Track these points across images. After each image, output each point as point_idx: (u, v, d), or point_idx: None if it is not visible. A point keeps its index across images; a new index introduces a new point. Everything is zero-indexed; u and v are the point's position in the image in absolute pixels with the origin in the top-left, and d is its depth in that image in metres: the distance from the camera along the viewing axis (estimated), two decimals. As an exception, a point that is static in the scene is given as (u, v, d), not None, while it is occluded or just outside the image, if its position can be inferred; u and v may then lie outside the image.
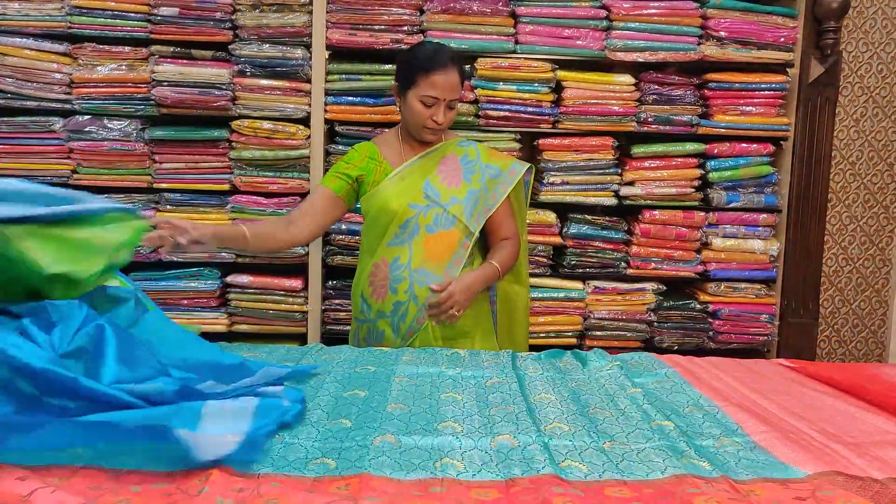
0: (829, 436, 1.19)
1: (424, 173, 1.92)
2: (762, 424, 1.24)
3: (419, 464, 1.06)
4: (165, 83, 2.37)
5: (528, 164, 2.00)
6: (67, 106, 2.39)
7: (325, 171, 2.44)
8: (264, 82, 2.39)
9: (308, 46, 2.39)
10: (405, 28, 2.38)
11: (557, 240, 2.52)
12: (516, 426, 1.21)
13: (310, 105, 2.41)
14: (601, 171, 2.50)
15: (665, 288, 2.56)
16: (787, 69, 2.49)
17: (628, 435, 1.20)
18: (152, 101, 2.39)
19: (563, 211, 2.55)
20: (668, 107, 2.47)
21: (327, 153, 2.47)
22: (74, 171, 2.43)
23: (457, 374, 1.50)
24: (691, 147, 2.50)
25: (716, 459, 1.10)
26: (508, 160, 2.01)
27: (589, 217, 2.51)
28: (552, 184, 2.48)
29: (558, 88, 2.47)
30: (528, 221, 2.18)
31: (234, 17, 2.36)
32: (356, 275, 1.99)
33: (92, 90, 2.37)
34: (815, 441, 1.17)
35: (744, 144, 2.49)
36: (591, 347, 2.09)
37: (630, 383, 1.46)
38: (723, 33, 2.42)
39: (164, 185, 2.44)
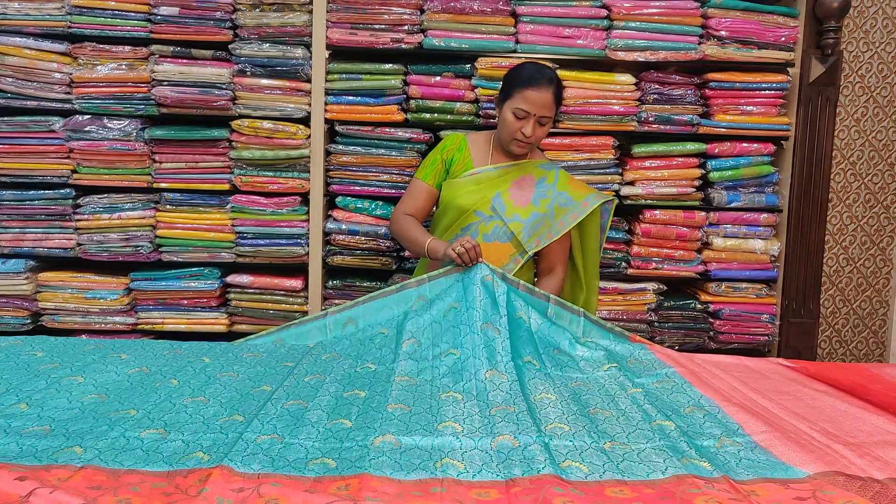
0: (830, 436, 1.19)
1: (498, 186, 2.00)
2: (763, 424, 1.23)
3: (419, 464, 1.06)
4: (165, 83, 2.36)
5: (606, 197, 2.03)
6: (67, 106, 2.38)
7: (326, 170, 2.46)
8: (264, 82, 2.38)
9: (308, 46, 2.39)
10: (405, 27, 2.38)
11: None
12: (517, 426, 1.21)
13: (310, 104, 2.41)
14: (602, 171, 2.50)
15: (666, 288, 2.55)
16: (788, 69, 2.49)
17: (629, 435, 1.20)
18: (152, 101, 2.38)
19: (564, 211, 2.55)
20: (668, 106, 2.47)
21: (327, 153, 2.47)
22: (74, 171, 2.43)
23: (457, 370, 1.50)
24: (692, 147, 2.49)
25: (716, 459, 1.10)
26: (584, 191, 2.04)
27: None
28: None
29: (559, 88, 2.47)
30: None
31: (234, 16, 2.36)
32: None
33: (92, 90, 2.37)
34: (816, 441, 1.16)
35: (744, 144, 2.49)
36: None
37: (630, 383, 1.46)
38: (723, 33, 2.42)
39: (164, 185, 2.43)
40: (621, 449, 1.14)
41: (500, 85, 2.12)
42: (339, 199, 2.48)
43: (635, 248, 2.52)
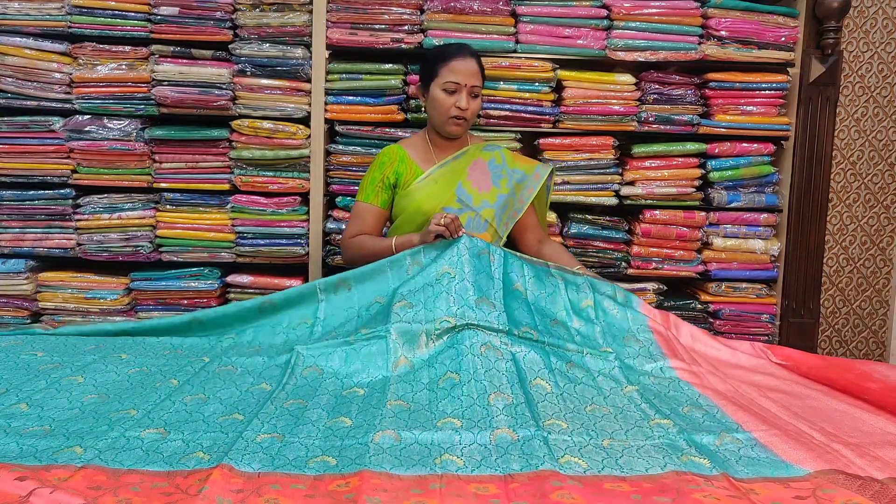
0: (830, 435, 1.19)
1: (456, 177, 1.99)
2: (762, 423, 1.23)
3: (419, 460, 1.06)
4: (165, 83, 2.36)
5: (550, 167, 2.06)
6: (67, 105, 2.38)
7: (326, 170, 2.45)
8: (264, 82, 2.38)
9: (308, 46, 2.39)
10: (405, 27, 2.38)
11: (558, 239, 2.52)
12: (515, 420, 1.20)
13: (310, 104, 2.41)
14: (602, 171, 2.49)
15: (666, 288, 2.55)
16: (788, 69, 2.49)
17: (627, 432, 1.19)
18: (152, 101, 2.38)
19: (564, 211, 2.55)
20: (668, 106, 2.47)
21: (327, 153, 2.47)
22: (74, 171, 2.43)
23: (452, 344, 1.48)
24: (692, 147, 2.49)
25: (716, 457, 1.10)
26: (532, 164, 2.08)
27: (589, 217, 2.51)
28: (553, 183, 2.47)
29: (559, 88, 2.47)
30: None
31: (234, 16, 2.36)
32: None
33: (92, 90, 2.37)
34: (816, 440, 1.16)
35: (744, 144, 2.49)
36: None
37: (626, 381, 1.46)
38: (723, 33, 2.42)
39: (163, 185, 2.43)
40: (620, 445, 1.13)
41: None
42: (339, 199, 2.48)
43: (635, 248, 2.52)
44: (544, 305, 1.67)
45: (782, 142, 2.54)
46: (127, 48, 2.37)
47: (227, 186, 2.45)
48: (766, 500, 0.95)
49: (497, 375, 1.37)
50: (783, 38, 2.45)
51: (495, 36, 2.41)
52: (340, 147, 2.44)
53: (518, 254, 1.77)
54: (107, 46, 2.37)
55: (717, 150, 2.48)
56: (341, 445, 1.11)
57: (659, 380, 1.48)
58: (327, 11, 2.37)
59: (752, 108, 2.49)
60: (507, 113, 2.44)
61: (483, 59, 2.38)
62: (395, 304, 1.58)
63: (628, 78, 2.45)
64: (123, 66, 2.38)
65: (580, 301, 1.71)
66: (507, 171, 2.03)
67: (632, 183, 2.50)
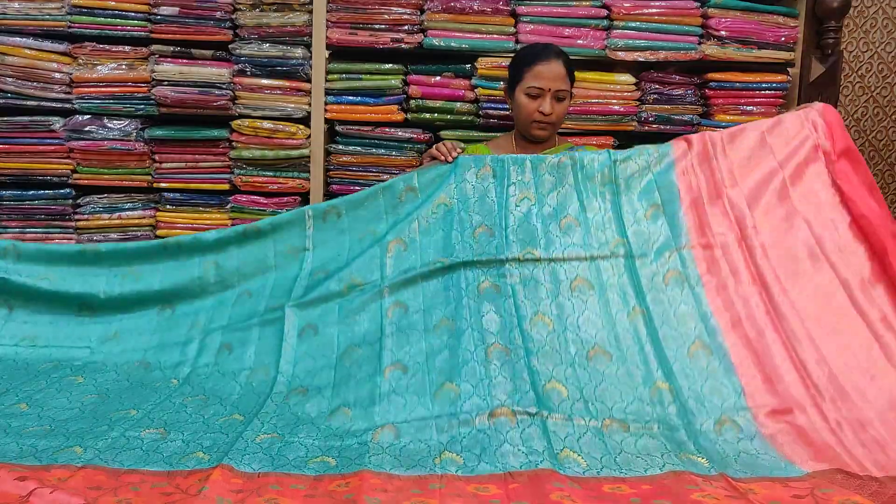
0: (837, 406, 1.13)
1: None
2: (767, 394, 1.17)
3: (419, 460, 1.06)
4: (165, 83, 2.36)
5: None
6: (67, 105, 2.38)
7: (326, 170, 2.45)
8: (264, 82, 2.38)
9: (308, 46, 2.39)
10: (405, 27, 2.38)
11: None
12: (514, 385, 1.18)
13: (310, 104, 2.41)
14: (602, 171, 2.49)
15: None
16: (788, 69, 2.49)
17: (627, 407, 1.16)
18: (152, 101, 2.38)
19: (564, 211, 2.55)
20: (668, 106, 2.47)
21: (327, 153, 2.47)
22: (74, 171, 2.43)
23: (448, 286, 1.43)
24: (692, 147, 2.49)
25: (715, 454, 1.09)
26: None
27: (589, 217, 2.51)
28: None
29: (559, 88, 2.47)
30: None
31: (234, 16, 2.36)
32: None
33: (92, 90, 2.37)
34: (821, 421, 1.12)
35: (744, 144, 2.49)
36: None
37: (634, 297, 1.35)
38: (723, 33, 2.42)
39: (163, 185, 2.43)
40: (619, 436, 1.11)
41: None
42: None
43: (635, 248, 2.52)
44: (556, 205, 1.56)
45: (782, 142, 2.54)
46: (127, 48, 2.37)
47: (227, 186, 2.45)
48: (764, 499, 0.95)
49: (494, 321, 1.31)
50: (783, 38, 2.45)
51: (495, 36, 2.41)
52: (340, 147, 2.44)
53: (524, 157, 1.66)
54: (107, 46, 2.37)
55: (717, 150, 2.48)
56: (341, 446, 1.11)
57: (671, 273, 1.37)
58: (327, 11, 2.37)
59: (752, 107, 2.49)
60: (508, 113, 2.43)
61: (483, 59, 2.40)
62: (389, 241, 1.51)
63: (628, 78, 2.45)
64: (123, 66, 2.38)
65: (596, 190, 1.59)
66: None
67: (632, 183, 2.50)
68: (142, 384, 1.39)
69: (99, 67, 2.37)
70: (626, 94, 2.45)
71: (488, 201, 1.56)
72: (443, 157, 1.66)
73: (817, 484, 0.99)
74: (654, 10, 2.40)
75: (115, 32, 2.36)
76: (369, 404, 1.21)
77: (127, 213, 2.44)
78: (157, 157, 2.42)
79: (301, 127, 2.40)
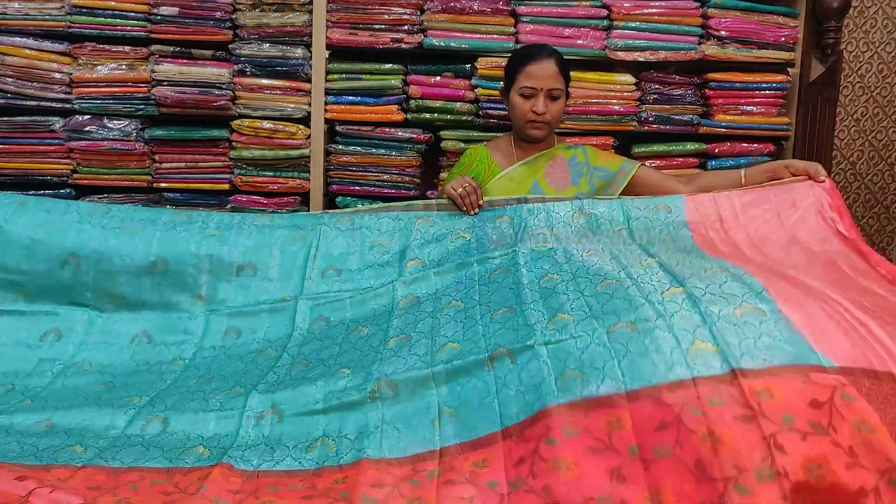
0: (868, 311, 1.06)
1: (532, 176, 1.97)
2: (790, 287, 1.11)
3: (417, 425, 1.06)
4: (165, 83, 2.36)
5: (637, 164, 1.99)
6: (67, 106, 2.38)
7: (326, 170, 2.46)
8: (264, 82, 2.38)
9: (308, 46, 2.39)
10: (405, 27, 2.38)
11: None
12: (516, 333, 1.17)
13: (310, 104, 2.41)
14: (602, 171, 2.49)
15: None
16: (788, 69, 2.49)
17: (636, 310, 1.09)
18: (152, 101, 2.38)
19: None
20: (668, 106, 2.47)
21: (327, 153, 2.47)
22: (74, 171, 2.43)
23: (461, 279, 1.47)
24: (692, 146, 2.49)
25: (730, 347, 0.97)
26: (618, 160, 2.02)
27: (589, 217, 2.51)
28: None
29: (559, 88, 2.47)
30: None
31: (234, 16, 2.36)
32: None
33: (92, 90, 2.37)
34: (850, 318, 1.04)
35: (744, 144, 2.49)
36: None
37: (646, 253, 1.37)
38: (723, 33, 2.42)
39: (164, 185, 2.44)
40: (626, 336, 1.05)
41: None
42: (338, 198, 2.48)
43: (635, 248, 2.52)
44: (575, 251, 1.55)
45: (782, 142, 2.54)
46: (127, 48, 2.37)
47: (227, 186, 2.45)
48: (777, 412, 0.89)
49: (503, 294, 1.33)
50: (783, 38, 2.45)
51: (495, 36, 2.41)
52: (340, 147, 2.44)
53: (545, 201, 1.69)
54: (107, 46, 2.37)
55: (717, 150, 2.48)
56: (339, 404, 1.11)
57: (685, 253, 1.38)
58: (327, 11, 2.37)
59: (751, 107, 2.49)
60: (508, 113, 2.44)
61: (483, 59, 2.40)
62: (407, 262, 1.57)
63: (628, 78, 2.45)
64: (123, 66, 2.38)
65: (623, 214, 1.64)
66: (588, 168, 1.98)
67: (632, 183, 2.50)
68: (147, 364, 1.39)
69: (99, 67, 2.37)
70: (626, 94, 2.45)
71: (509, 260, 1.53)
72: (462, 205, 1.69)
73: (841, 384, 0.91)
74: (654, 10, 2.40)
75: (115, 32, 2.36)
76: (369, 364, 1.22)
77: (127, 213, 2.44)
78: (157, 157, 2.43)
79: (301, 127, 2.40)
